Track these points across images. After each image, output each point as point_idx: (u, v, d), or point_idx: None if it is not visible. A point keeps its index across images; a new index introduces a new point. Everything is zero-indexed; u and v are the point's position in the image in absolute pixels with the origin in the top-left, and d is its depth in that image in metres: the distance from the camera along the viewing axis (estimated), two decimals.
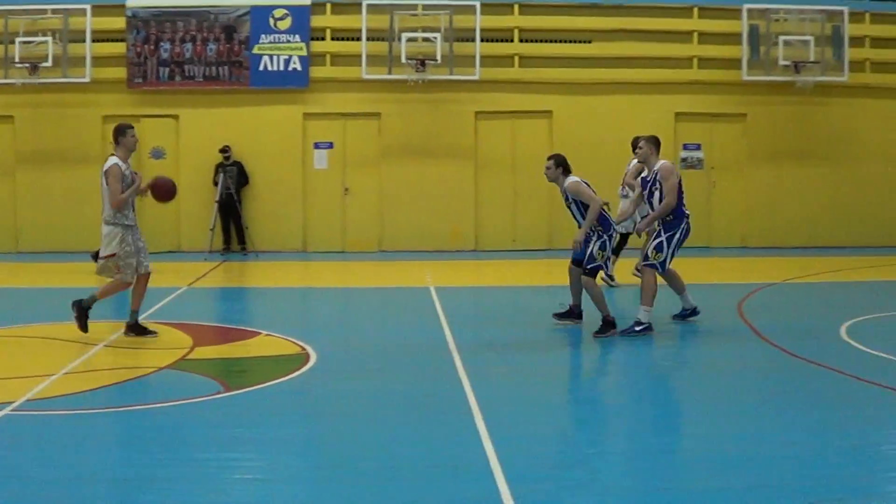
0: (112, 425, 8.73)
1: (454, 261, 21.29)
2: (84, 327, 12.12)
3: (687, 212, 12.86)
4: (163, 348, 11.80)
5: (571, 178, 12.81)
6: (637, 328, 12.57)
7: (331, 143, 22.90)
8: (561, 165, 12.90)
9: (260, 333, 12.81)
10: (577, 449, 8.07)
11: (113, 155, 12.13)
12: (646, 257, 12.89)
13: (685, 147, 23.64)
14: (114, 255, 12.02)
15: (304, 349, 11.69)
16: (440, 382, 10.20)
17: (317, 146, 22.96)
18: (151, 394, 9.75)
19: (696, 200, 23.27)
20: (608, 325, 12.53)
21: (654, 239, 12.76)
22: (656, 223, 12.76)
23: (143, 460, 7.49)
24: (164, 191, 12.53)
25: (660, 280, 12.81)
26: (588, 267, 12.60)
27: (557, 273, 14.96)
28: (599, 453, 7.92)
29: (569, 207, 13.03)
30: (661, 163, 12.82)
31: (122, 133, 12.20)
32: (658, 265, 12.67)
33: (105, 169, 11.98)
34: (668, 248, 12.64)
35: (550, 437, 8.44)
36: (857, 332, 12.89)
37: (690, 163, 23.76)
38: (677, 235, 12.69)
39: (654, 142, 12.95)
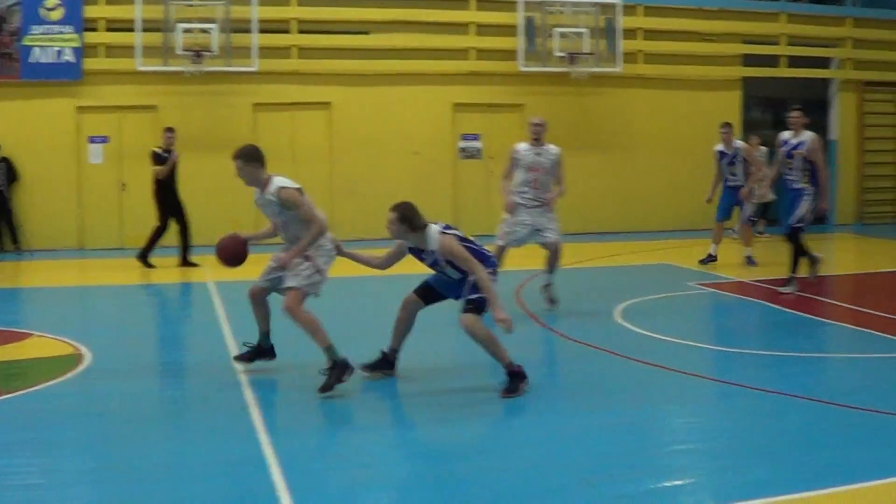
0: None
1: None
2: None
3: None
4: None
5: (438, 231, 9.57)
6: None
7: (106, 138, 22.34)
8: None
9: (32, 335, 12.41)
10: (353, 439, 8.07)
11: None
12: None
13: (464, 137, 23.91)
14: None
15: (78, 350, 11.36)
16: (217, 379, 10.06)
17: (92, 140, 22.35)
18: None
19: (475, 190, 23.64)
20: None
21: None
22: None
23: None
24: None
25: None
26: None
27: (348, 264, 14.87)
28: (374, 442, 7.93)
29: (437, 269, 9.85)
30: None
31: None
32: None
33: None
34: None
35: (326, 428, 8.44)
36: (630, 314, 13.28)
37: (469, 153, 24.03)
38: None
39: None
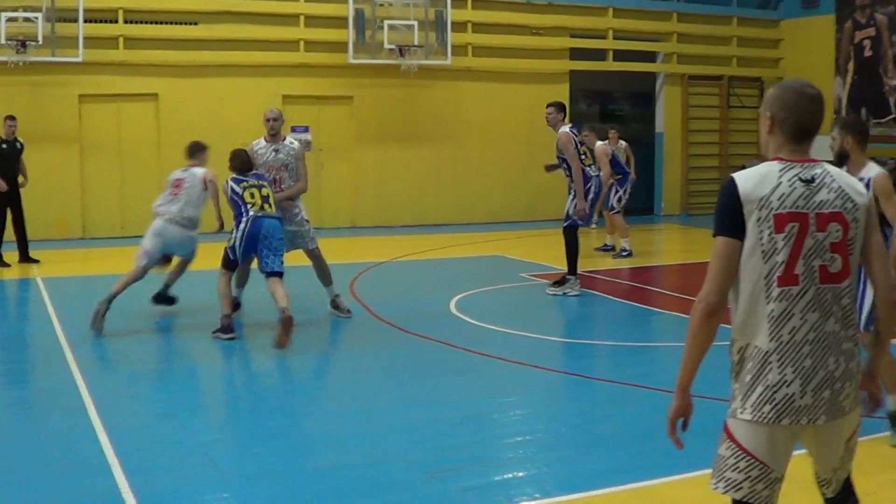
0: None
1: (61, 250, 20.47)
2: None
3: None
4: None
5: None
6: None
7: None
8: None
9: None
10: (194, 437, 7.91)
11: None
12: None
13: (293, 129, 23.61)
14: None
15: None
16: (51, 377, 9.79)
17: None
18: None
19: None
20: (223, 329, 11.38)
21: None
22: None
23: None
24: None
25: None
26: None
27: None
28: (216, 440, 7.82)
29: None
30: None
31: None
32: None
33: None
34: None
35: (166, 426, 8.25)
36: (464, 306, 13.33)
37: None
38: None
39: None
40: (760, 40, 29.02)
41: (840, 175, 4.14)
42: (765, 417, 4.03)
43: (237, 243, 11.32)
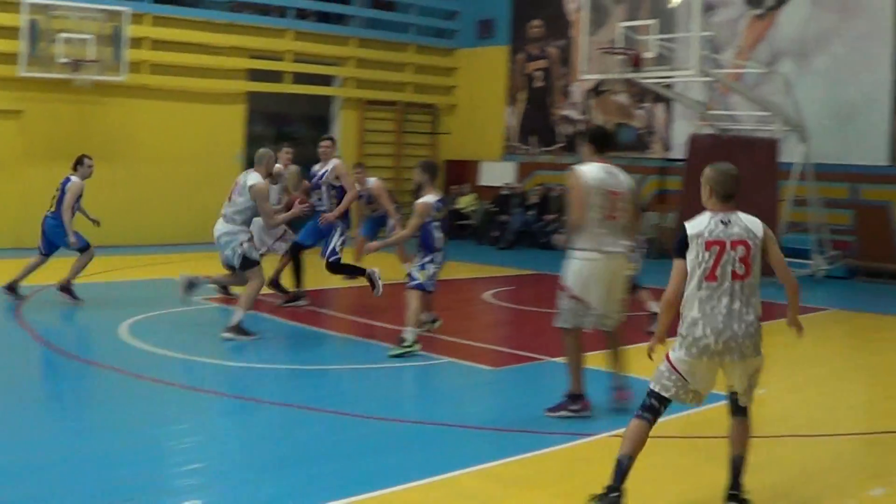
0: None
1: None
2: None
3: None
4: None
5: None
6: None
7: None
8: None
9: None
10: None
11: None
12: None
13: None
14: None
15: None
16: None
17: None
18: None
19: None
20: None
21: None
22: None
23: None
24: None
25: None
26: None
27: None
28: None
29: None
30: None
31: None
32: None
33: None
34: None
35: None
36: (136, 330, 13.06)
37: None
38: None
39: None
40: (436, 68, 29.86)
41: (746, 218, 6.74)
42: (692, 356, 6.60)
43: None
